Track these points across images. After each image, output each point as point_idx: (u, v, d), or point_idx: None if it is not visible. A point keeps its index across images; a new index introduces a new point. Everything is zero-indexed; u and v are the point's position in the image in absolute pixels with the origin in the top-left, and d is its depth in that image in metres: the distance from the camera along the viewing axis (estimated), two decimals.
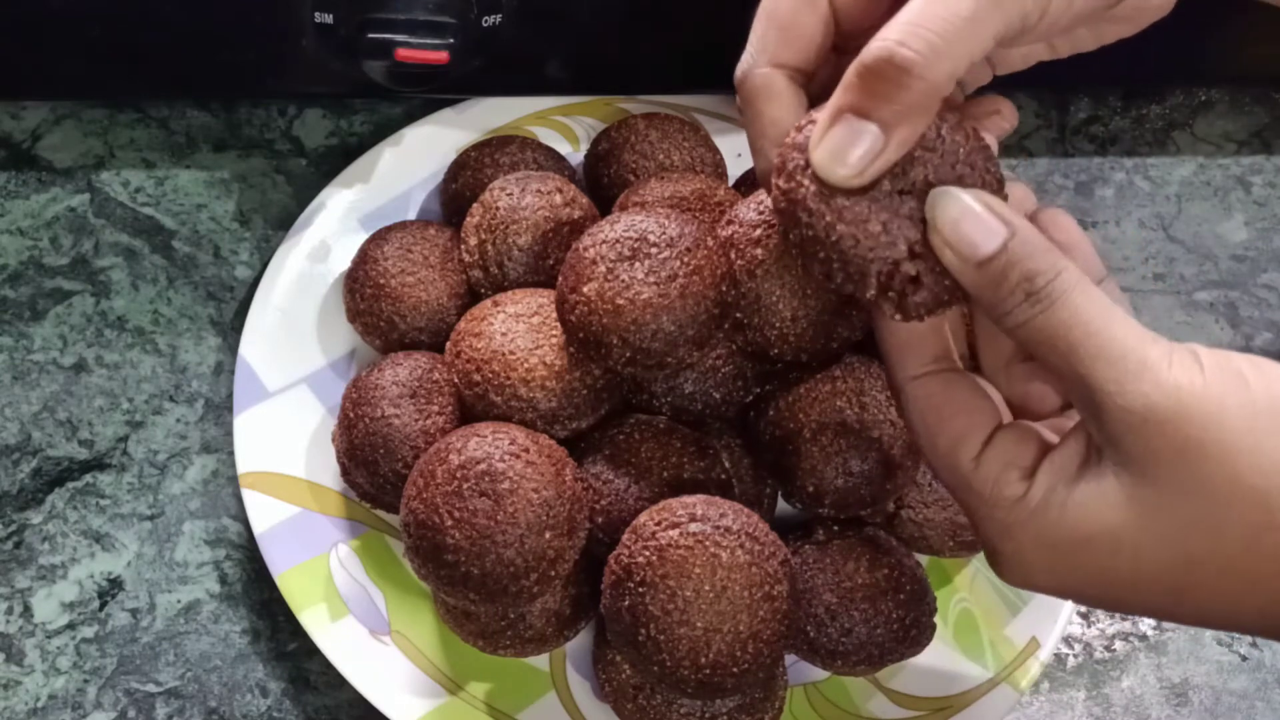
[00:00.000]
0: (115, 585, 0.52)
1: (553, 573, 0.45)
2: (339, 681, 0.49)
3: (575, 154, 0.61)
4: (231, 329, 0.58)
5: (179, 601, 0.52)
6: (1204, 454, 0.32)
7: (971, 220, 0.34)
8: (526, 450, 0.45)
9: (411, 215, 0.58)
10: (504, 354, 0.48)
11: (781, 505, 0.52)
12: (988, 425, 0.37)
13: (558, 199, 0.52)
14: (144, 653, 0.51)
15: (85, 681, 0.50)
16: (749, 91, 0.40)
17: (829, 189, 0.35)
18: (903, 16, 0.33)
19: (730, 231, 0.47)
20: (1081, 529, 0.34)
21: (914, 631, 0.47)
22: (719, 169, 0.58)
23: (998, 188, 0.36)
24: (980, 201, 0.34)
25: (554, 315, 0.48)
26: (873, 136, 0.34)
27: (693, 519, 0.43)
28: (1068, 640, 0.54)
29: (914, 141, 0.35)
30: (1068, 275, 0.34)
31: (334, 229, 0.57)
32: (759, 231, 0.47)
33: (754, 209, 0.47)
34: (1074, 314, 0.33)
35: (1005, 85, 0.43)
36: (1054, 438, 0.37)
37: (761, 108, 0.39)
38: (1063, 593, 0.37)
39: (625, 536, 0.44)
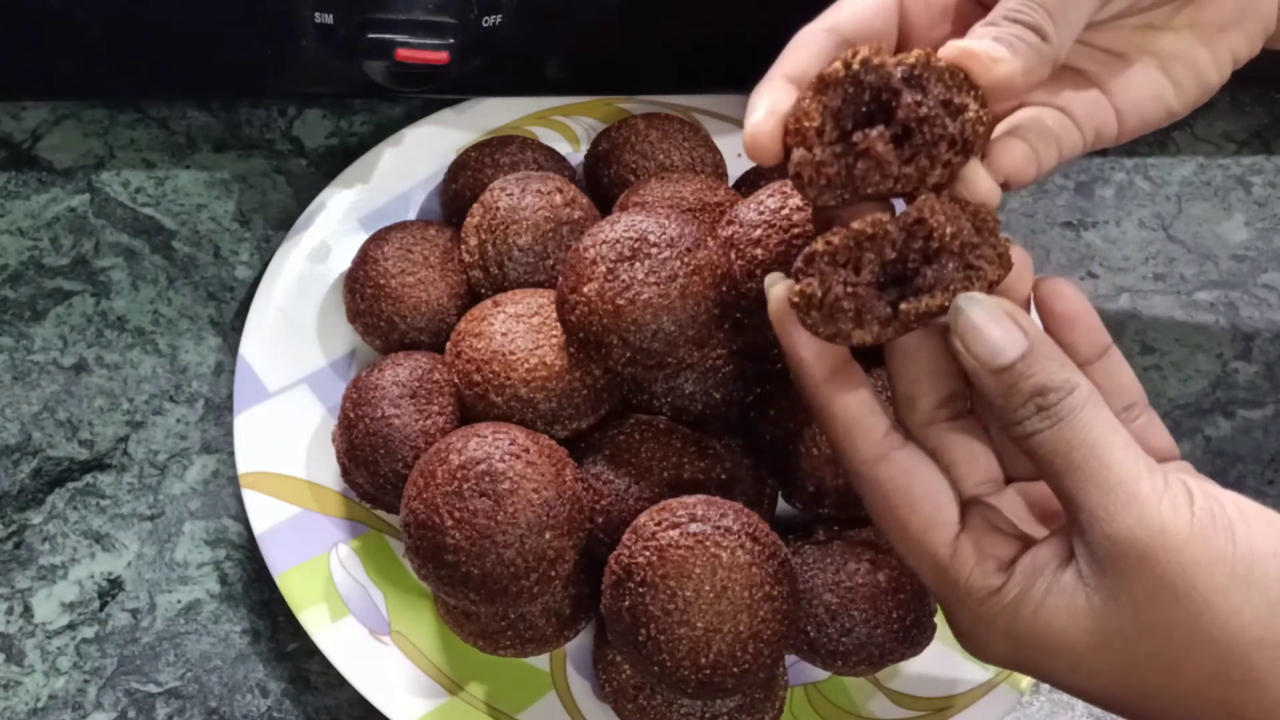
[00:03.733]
0: (115, 585, 0.52)
1: (553, 573, 0.45)
2: (339, 681, 0.49)
3: (575, 154, 0.61)
4: (232, 329, 0.58)
5: (179, 602, 0.52)
6: (1175, 597, 0.33)
7: (991, 328, 0.35)
8: (527, 450, 0.45)
9: (411, 215, 0.58)
10: (504, 354, 0.48)
11: (781, 505, 0.52)
12: (954, 508, 0.37)
13: (558, 199, 0.52)
14: (144, 653, 0.51)
15: (85, 682, 0.50)
16: (792, 40, 0.40)
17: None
18: None
19: (730, 231, 0.47)
20: (1046, 638, 0.35)
21: (914, 632, 0.47)
22: (719, 169, 0.58)
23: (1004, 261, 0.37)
24: (1003, 310, 0.35)
25: (554, 315, 0.48)
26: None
27: (693, 519, 0.43)
28: None
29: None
30: (1079, 394, 0.34)
31: (334, 229, 0.57)
32: (759, 231, 0.47)
33: (754, 209, 0.47)
34: (1077, 434, 0.34)
35: None
36: (1027, 531, 0.38)
37: (790, 51, 0.40)
38: (1022, 674, 0.39)
39: (625, 537, 0.44)
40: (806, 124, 0.36)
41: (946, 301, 0.36)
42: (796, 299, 0.36)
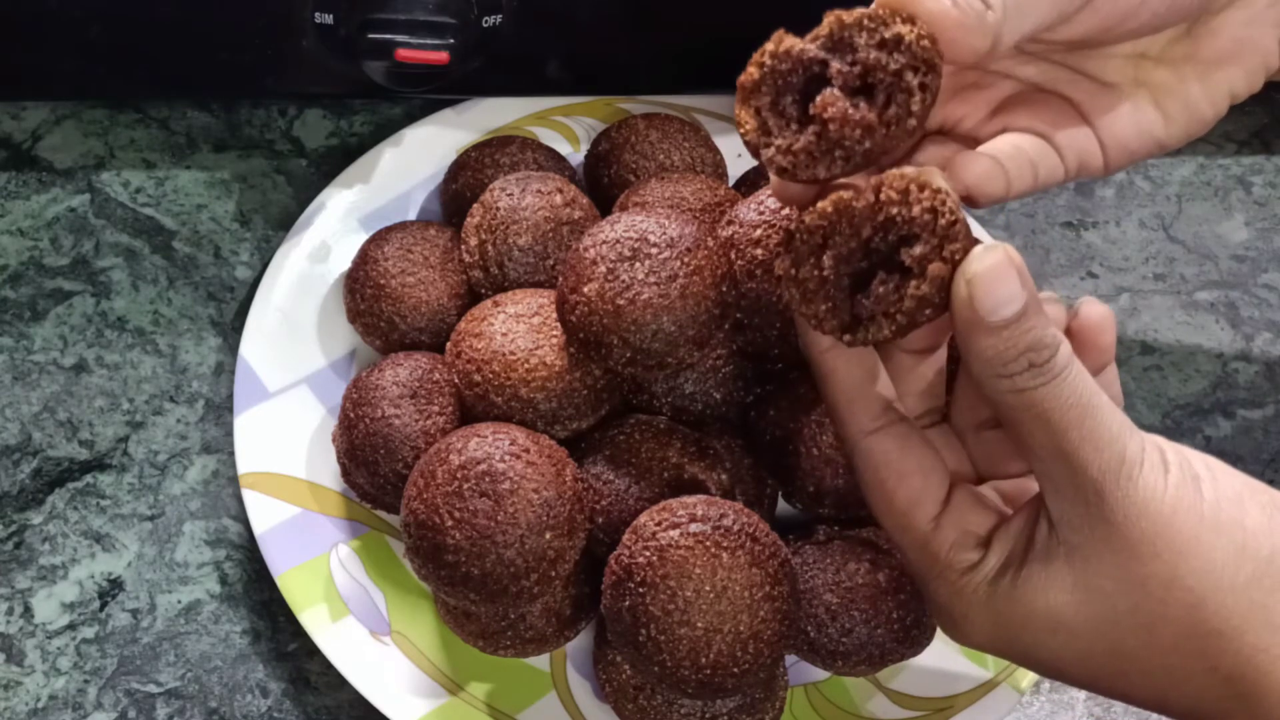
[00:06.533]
0: (116, 585, 0.52)
1: (553, 573, 0.45)
2: (339, 682, 0.49)
3: (575, 154, 0.61)
4: (232, 329, 0.58)
5: (179, 602, 0.52)
6: (1154, 552, 0.34)
7: (999, 285, 0.34)
8: (527, 450, 0.45)
9: (412, 215, 0.58)
10: (504, 354, 0.48)
11: (781, 505, 0.52)
12: (943, 486, 0.38)
13: (558, 199, 0.52)
14: (144, 653, 0.51)
15: (86, 682, 0.50)
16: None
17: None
18: None
19: (730, 232, 0.48)
20: (1025, 606, 0.36)
21: (914, 632, 0.47)
22: (719, 169, 0.58)
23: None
24: (1012, 264, 0.34)
25: (554, 315, 0.48)
26: None
27: (693, 519, 0.43)
28: None
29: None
30: (1064, 352, 0.34)
31: (334, 229, 0.57)
32: (759, 232, 0.47)
33: (754, 209, 0.47)
34: (1071, 392, 0.34)
35: None
36: (1005, 508, 0.38)
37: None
38: (1002, 656, 0.39)
39: (626, 537, 0.44)
40: (745, 131, 0.37)
41: (891, 332, 0.36)
42: (779, 273, 0.37)
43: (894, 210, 0.35)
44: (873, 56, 0.35)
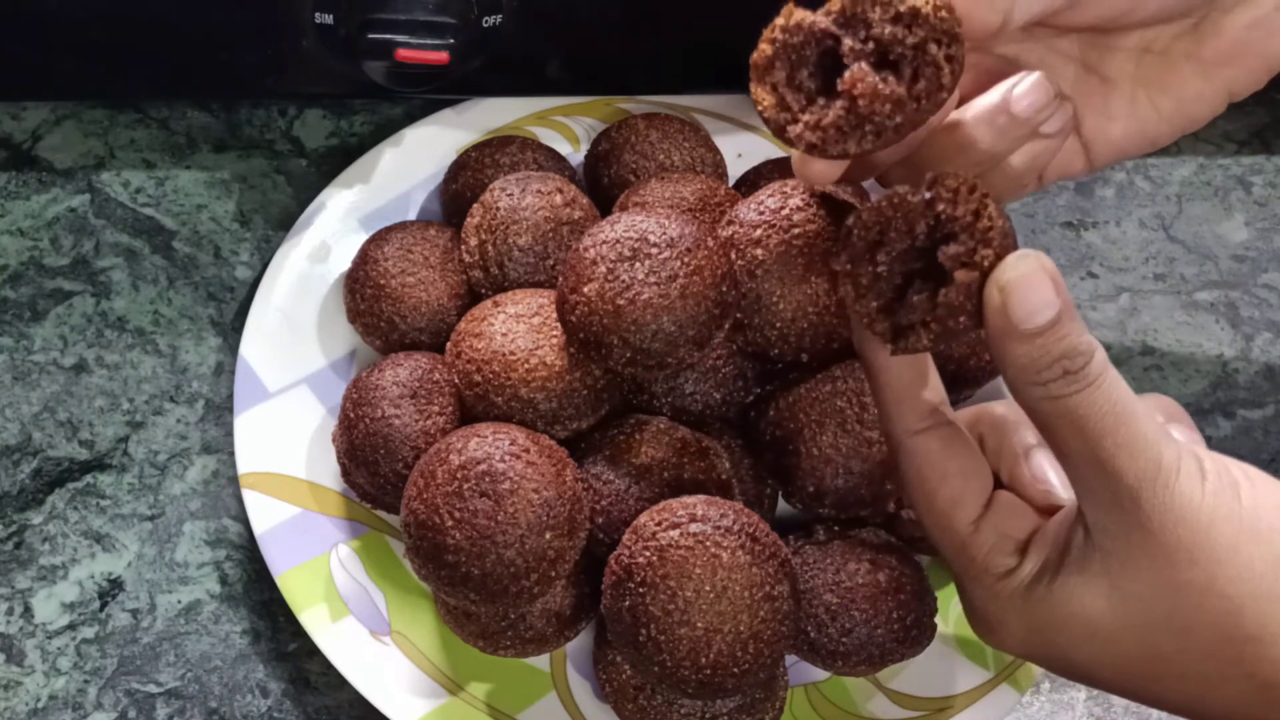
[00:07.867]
0: (116, 586, 0.52)
1: (553, 573, 0.45)
2: (339, 682, 0.49)
3: (575, 154, 0.61)
4: (232, 329, 0.58)
5: (179, 602, 0.52)
6: (1190, 559, 0.34)
7: (1034, 291, 0.33)
8: (527, 450, 0.45)
9: (412, 215, 0.58)
10: (504, 354, 0.48)
11: (781, 505, 0.52)
12: (985, 490, 0.38)
13: (558, 199, 0.52)
14: (144, 653, 0.51)
15: (86, 682, 0.50)
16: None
17: None
18: None
19: (730, 232, 0.48)
20: (1061, 611, 0.36)
21: (914, 632, 0.47)
22: (719, 169, 0.58)
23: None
24: (1045, 271, 0.34)
25: (554, 315, 0.48)
26: None
27: (693, 519, 0.43)
28: None
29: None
30: (1100, 358, 0.34)
31: (334, 229, 0.57)
32: (759, 232, 0.47)
33: (754, 209, 0.47)
34: (1107, 399, 0.34)
35: None
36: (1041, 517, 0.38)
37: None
38: (1036, 662, 0.39)
39: (626, 537, 0.44)
40: (764, 109, 0.36)
41: (929, 341, 0.35)
42: (836, 269, 0.37)
43: (941, 207, 0.35)
44: (888, 31, 0.35)
